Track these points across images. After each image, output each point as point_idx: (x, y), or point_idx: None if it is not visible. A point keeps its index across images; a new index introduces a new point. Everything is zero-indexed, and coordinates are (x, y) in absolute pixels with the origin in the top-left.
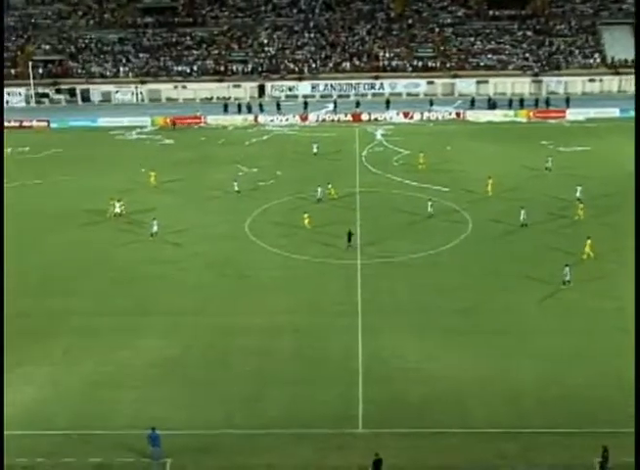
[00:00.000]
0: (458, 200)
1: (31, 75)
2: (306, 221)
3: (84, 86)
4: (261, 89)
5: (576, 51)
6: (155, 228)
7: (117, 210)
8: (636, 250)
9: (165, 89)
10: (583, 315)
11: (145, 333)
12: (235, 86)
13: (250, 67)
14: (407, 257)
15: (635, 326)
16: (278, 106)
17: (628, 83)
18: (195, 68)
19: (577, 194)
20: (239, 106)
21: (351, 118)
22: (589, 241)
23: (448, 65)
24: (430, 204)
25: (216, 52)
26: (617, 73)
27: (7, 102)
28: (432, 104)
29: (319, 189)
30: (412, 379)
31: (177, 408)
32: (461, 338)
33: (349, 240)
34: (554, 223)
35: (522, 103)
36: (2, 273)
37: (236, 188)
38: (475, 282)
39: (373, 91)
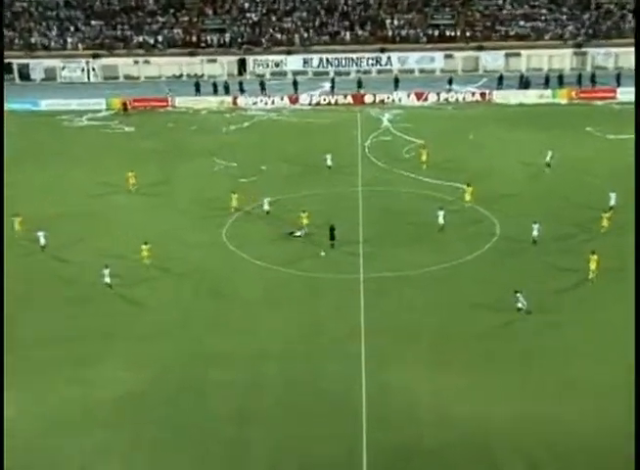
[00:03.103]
0: (483, 200)
1: None
2: (233, 202)
3: (23, 61)
4: (242, 65)
5: (629, 15)
6: (42, 240)
7: (17, 226)
8: (636, 250)
9: (124, 65)
10: (622, 340)
11: (102, 363)
12: (209, 61)
13: (227, 37)
14: (420, 270)
15: (635, 326)
16: (262, 85)
17: None
18: (160, 38)
19: (612, 202)
20: (214, 85)
21: (352, 101)
22: (594, 256)
23: (471, 34)
24: (441, 214)
25: (186, 19)
26: None
27: None
28: (450, 82)
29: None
30: (428, 420)
31: (140, 457)
32: (486, 367)
33: (332, 237)
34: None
35: (561, 80)
36: (2, 274)
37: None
38: (501, 301)
39: (378, 67)
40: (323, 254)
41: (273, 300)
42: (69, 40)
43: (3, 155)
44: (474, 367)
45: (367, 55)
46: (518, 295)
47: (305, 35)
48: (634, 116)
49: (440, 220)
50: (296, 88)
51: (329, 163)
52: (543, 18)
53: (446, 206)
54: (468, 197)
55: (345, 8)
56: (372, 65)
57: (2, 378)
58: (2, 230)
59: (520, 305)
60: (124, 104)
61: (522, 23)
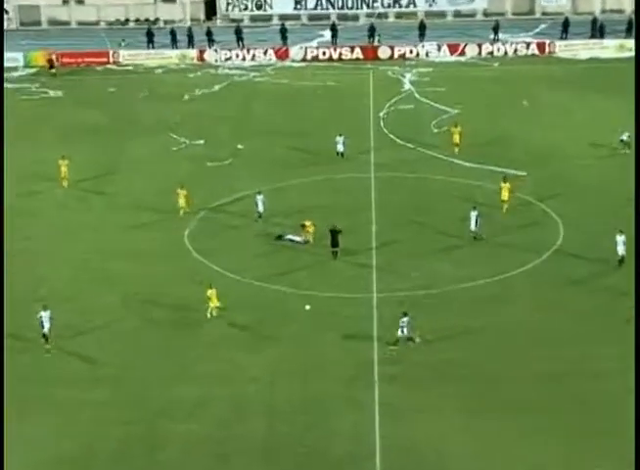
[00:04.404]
0: (542, 191)
1: None
2: (181, 201)
3: None
4: (210, 6)
5: None
6: None
7: None
8: (636, 250)
9: (47, 5)
10: None
11: (26, 418)
12: (166, 0)
13: None
14: (452, 286)
15: (635, 325)
16: (238, 34)
17: None
18: None
19: None
20: (172, 34)
21: (362, 55)
22: None
23: None
24: (474, 215)
25: None
26: None
27: None
28: (496, 30)
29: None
30: None
31: None
32: (542, 421)
33: (335, 244)
34: None
35: None
36: (2, 273)
37: (260, 209)
38: (561, 331)
39: (397, 9)
40: (308, 307)
41: (255, 328)
42: None
43: (3, 152)
44: (526, 420)
45: None
46: (404, 319)
47: None
48: (634, 115)
49: (472, 226)
50: (284, 38)
51: (340, 148)
52: None
53: (489, 200)
54: (505, 195)
55: None
56: (389, 5)
57: (2, 381)
58: (2, 227)
59: (401, 332)
60: (50, 60)
61: None
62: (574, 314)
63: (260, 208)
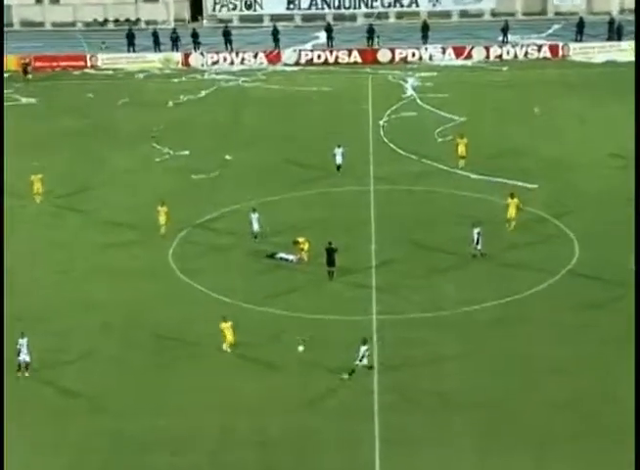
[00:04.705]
0: (555, 205)
1: None
2: (161, 218)
3: None
4: (196, 5)
5: None
6: None
7: None
8: (636, 252)
9: (20, 5)
10: None
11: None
12: (148, 0)
13: None
14: (457, 310)
15: (635, 329)
16: (226, 36)
17: None
18: None
19: None
20: (155, 36)
21: (360, 59)
22: None
23: None
24: (476, 231)
25: None
26: None
27: None
28: (506, 31)
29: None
30: None
31: None
32: (561, 451)
33: (331, 262)
34: None
35: None
36: (2, 273)
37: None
38: (574, 356)
39: (398, 9)
40: (301, 349)
41: (245, 354)
42: None
43: (3, 151)
44: (543, 450)
45: None
46: (363, 348)
47: None
48: (634, 115)
49: (475, 244)
50: (276, 40)
51: (339, 159)
52: None
53: (498, 215)
54: (512, 212)
55: None
56: (389, 5)
57: (2, 379)
58: (2, 230)
59: (359, 361)
60: (25, 64)
61: None
62: (590, 339)
63: (255, 227)
